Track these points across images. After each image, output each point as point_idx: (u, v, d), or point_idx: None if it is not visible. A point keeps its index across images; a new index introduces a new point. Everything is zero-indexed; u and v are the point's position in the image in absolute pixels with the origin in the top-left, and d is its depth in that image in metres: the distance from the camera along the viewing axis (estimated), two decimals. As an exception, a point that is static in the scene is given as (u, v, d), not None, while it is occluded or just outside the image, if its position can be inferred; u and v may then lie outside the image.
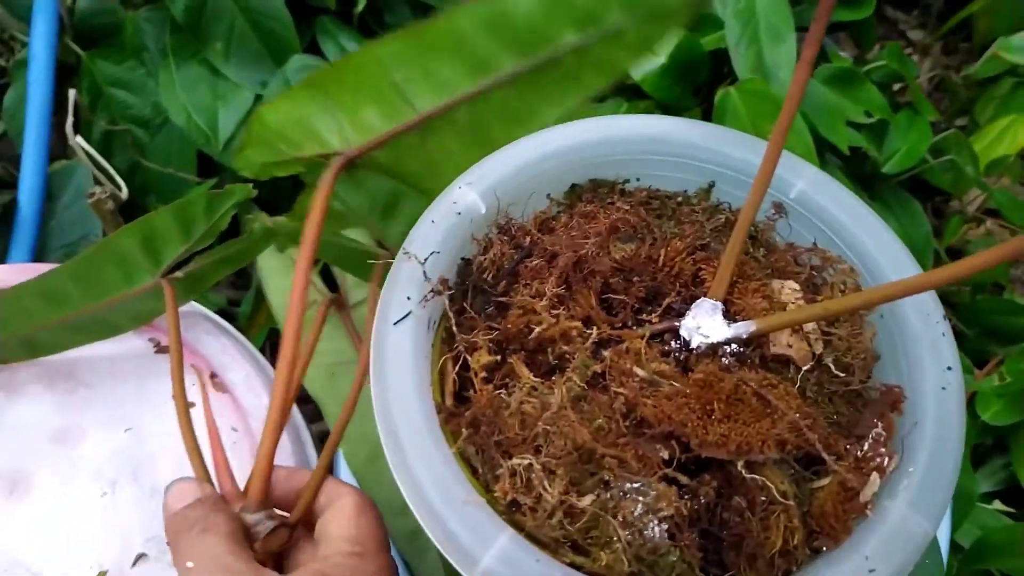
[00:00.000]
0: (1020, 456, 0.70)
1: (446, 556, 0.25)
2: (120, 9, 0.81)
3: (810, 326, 0.30)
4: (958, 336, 0.76)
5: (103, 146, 0.77)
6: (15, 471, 0.45)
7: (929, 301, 0.31)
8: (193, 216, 0.39)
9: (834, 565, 0.26)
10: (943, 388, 0.28)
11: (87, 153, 0.58)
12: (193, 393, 0.47)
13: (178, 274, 0.41)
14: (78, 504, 0.44)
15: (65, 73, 0.79)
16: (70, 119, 0.60)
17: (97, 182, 0.60)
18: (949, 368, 0.29)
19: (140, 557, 0.43)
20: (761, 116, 0.65)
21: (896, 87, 0.81)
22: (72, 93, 0.61)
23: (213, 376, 0.48)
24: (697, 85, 0.70)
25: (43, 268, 0.45)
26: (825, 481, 0.27)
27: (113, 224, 0.61)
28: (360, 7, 0.80)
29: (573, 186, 0.35)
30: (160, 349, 0.50)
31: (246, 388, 0.48)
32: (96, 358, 0.49)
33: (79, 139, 0.59)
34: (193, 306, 0.52)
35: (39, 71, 0.76)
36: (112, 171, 0.59)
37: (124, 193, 0.60)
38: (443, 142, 0.33)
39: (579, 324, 0.30)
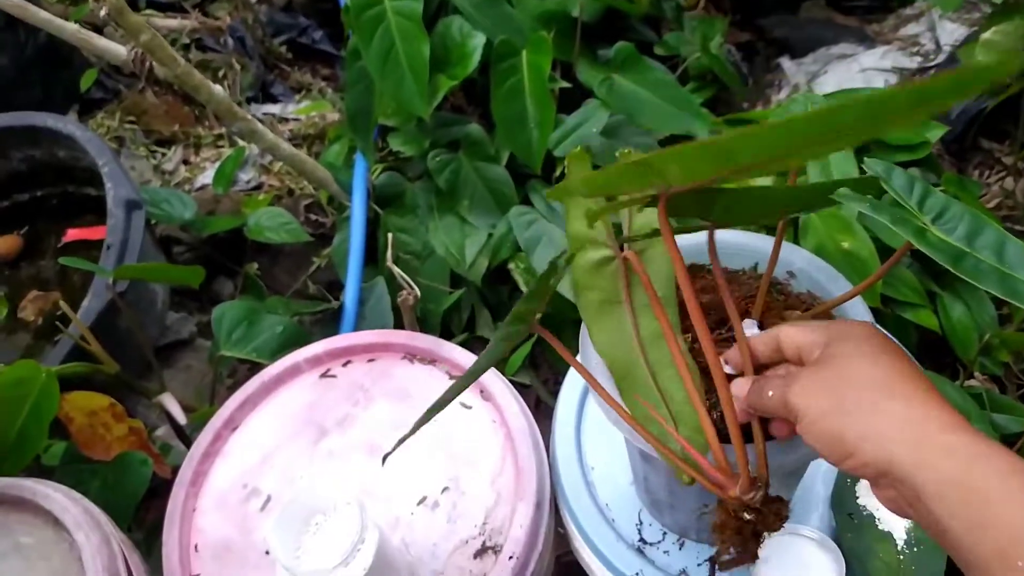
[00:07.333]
0: None
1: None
2: (405, 182, 1.25)
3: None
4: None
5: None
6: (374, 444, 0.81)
7: (859, 304, 0.60)
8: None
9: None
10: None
11: (397, 272, 0.97)
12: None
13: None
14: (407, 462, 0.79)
15: (369, 225, 1.23)
16: (389, 252, 1.00)
17: (401, 288, 0.99)
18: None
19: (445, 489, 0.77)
20: (833, 229, 0.95)
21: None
22: (390, 236, 1.01)
23: (482, 390, 0.83)
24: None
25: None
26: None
27: (411, 314, 0.99)
28: (557, 173, 1.18)
29: (691, 264, 0.67)
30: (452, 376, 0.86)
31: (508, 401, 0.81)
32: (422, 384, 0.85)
33: (392, 264, 0.98)
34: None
35: (357, 223, 1.20)
36: (411, 282, 0.98)
37: (417, 294, 0.98)
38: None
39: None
